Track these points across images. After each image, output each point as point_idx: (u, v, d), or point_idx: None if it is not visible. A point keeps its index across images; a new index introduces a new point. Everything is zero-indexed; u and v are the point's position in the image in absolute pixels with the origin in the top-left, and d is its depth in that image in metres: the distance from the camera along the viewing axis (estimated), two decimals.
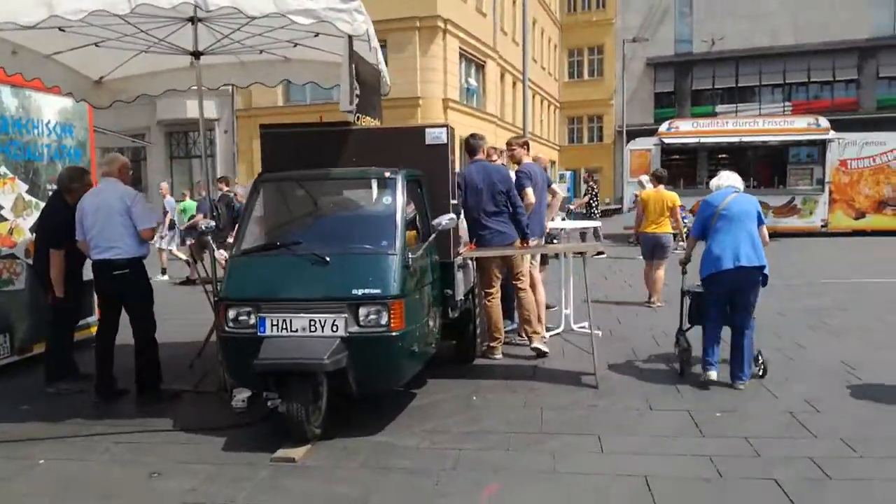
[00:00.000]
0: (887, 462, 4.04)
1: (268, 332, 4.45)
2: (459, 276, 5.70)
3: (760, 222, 5.56)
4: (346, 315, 4.38)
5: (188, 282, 12.49)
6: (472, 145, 6.66)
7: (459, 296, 5.69)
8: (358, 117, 5.31)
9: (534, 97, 36.47)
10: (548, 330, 7.31)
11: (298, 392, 4.30)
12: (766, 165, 21.25)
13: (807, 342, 7.02)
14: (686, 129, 20.94)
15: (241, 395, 5.19)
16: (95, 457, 4.40)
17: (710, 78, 41.36)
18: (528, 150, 7.41)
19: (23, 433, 4.81)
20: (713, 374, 5.61)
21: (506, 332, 6.80)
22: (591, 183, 17.28)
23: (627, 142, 25.29)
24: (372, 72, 5.60)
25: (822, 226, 19.75)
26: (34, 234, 6.13)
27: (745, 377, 5.47)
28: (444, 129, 5.55)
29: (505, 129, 29.14)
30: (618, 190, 34.97)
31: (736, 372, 5.49)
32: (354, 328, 4.39)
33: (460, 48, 25.78)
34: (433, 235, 4.97)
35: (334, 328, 4.38)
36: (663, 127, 21.10)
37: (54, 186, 6.19)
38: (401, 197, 4.92)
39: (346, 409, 4.91)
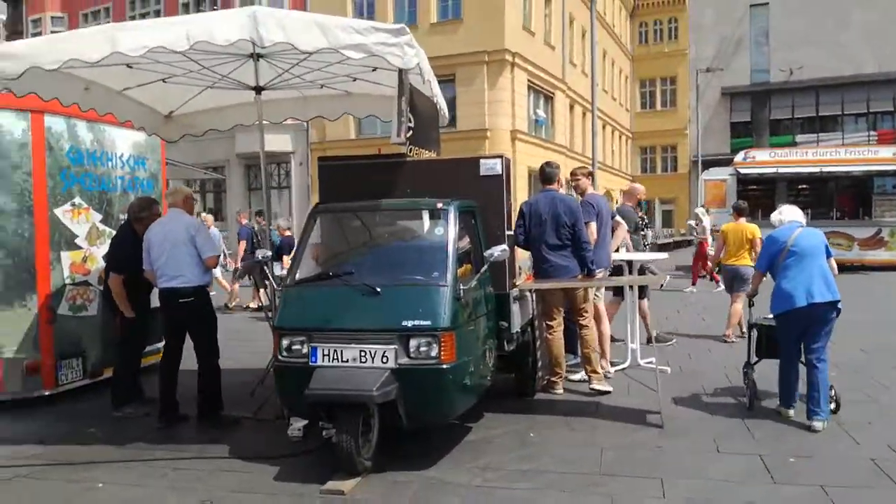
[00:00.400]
0: None
1: (319, 362, 4.45)
2: (515, 308, 5.57)
3: (829, 255, 5.40)
4: (396, 346, 4.35)
5: (246, 308, 13.04)
6: (547, 174, 6.43)
7: (515, 328, 5.56)
8: (411, 149, 5.29)
9: (604, 127, 36.17)
10: (613, 365, 7.07)
11: (348, 423, 4.25)
12: (849, 196, 20.32)
13: (891, 383, 6.55)
14: (763, 159, 20.30)
15: (298, 424, 5.20)
16: (153, 482, 4.46)
17: (788, 107, 40.22)
18: (592, 180, 7.23)
19: (86, 455, 4.94)
20: (790, 412, 5.42)
21: (568, 366, 6.60)
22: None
23: (702, 171, 24.68)
24: (428, 105, 5.59)
25: None
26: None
27: (822, 415, 5.15)
28: (499, 159, 5.48)
29: (574, 159, 28.90)
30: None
31: (813, 408, 5.18)
32: (405, 360, 4.34)
33: (528, 80, 25.83)
34: (486, 266, 4.88)
35: (384, 359, 4.34)
36: (739, 157, 20.55)
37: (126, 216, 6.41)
38: (453, 228, 4.87)
39: (398, 441, 4.84)
